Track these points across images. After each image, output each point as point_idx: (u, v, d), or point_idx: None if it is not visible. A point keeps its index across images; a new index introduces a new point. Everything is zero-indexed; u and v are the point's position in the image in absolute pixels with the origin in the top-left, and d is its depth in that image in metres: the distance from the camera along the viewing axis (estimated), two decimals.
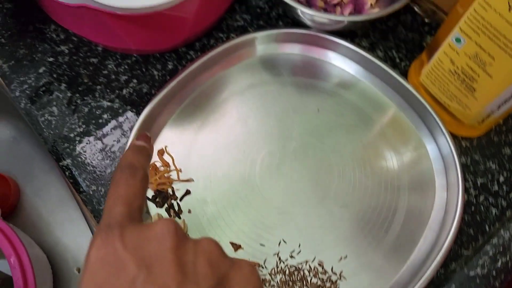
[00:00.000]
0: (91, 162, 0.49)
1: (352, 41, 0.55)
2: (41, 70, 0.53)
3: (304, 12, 0.50)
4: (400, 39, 0.57)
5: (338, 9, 0.58)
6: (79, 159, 0.49)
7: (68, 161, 0.49)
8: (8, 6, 0.57)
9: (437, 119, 0.49)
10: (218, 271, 0.24)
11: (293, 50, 0.55)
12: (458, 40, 0.43)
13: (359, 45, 0.55)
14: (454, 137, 0.51)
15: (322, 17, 0.50)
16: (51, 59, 0.54)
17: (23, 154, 0.80)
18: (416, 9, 0.58)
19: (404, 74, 0.55)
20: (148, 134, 0.37)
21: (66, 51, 0.54)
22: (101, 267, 0.23)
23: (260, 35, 0.54)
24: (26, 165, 0.80)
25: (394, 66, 0.56)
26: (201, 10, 0.49)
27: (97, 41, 0.52)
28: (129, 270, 0.23)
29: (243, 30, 0.57)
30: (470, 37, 0.42)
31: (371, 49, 0.57)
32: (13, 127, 0.80)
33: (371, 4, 0.58)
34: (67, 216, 0.76)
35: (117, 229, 0.25)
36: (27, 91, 0.52)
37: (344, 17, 0.51)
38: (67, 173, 0.49)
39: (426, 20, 0.58)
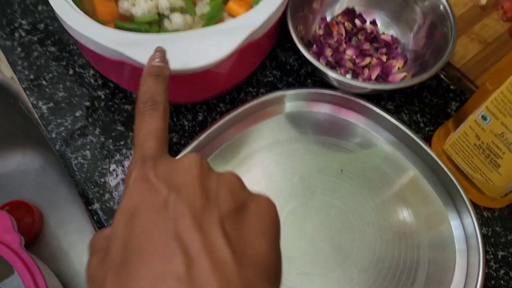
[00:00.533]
0: None
1: (378, 103, 0.56)
2: (77, 114, 0.55)
3: (333, 77, 0.52)
4: (425, 103, 0.59)
5: (366, 71, 0.59)
6: (108, 204, 0.51)
7: (97, 206, 0.51)
8: (51, 49, 0.60)
9: (460, 189, 0.50)
10: (238, 199, 0.27)
11: (320, 109, 0.56)
12: (484, 117, 0.44)
13: (384, 108, 0.57)
14: (475, 206, 0.52)
15: (349, 83, 0.51)
16: (87, 103, 0.56)
17: (50, 183, 0.83)
18: (442, 76, 0.59)
19: (428, 139, 0.56)
20: (163, 48, 0.39)
21: (103, 96, 0.57)
22: (138, 193, 0.26)
23: (288, 93, 0.55)
24: (51, 195, 0.82)
25: (418, 130, 0.57)
26: (235, 67, 0.51)
27: (133, 90, 0.55)
28: (162, 193, 0.26)
29: (272, 86, 0.59)
30: (496, 117, 0.43)
31: (396, 112, 0.58)
32: (42, 157, 0.83)
33: (398, 68, 0.60)
34: (86, 249, 0.78)
35: (150, 161, 0.28)
36: (63, 134, 0.54)
37: (370, 84, 0.52)
38: (95, 217, 0.51)
39: (452, 87, 0.59)
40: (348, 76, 0.60)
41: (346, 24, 0.62)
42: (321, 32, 0.62)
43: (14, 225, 0.69)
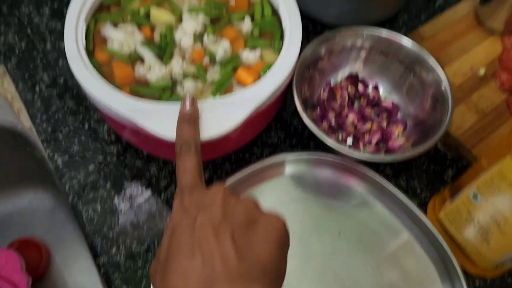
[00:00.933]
0: (126, 263, 0.53)
1: (377, 168, 0.59)
2: (90, 168, 0.58)
3: (332, 145, 0.54)
4: (422, 169, 0.61)
5: (367, 136, 0.62)
6: (115, 258, 0.53)
7: (104, 259, 0.53)
8: (69, 103, 0.63)
9: (452, 257, 0.52)
10: (250, 215, 0.34)
11: (320, 172, 0.59)
12: (475, 196, 0.47)
13: (383, 172, 0.59)
14: (468, 274, 0.53)
15: (350, 153, 0.54)
16: (100, 158, 0.59)
17: (58, 222, 0.85)
18: (439, 144, 0.62)
19: (424, 205, 0.58)
20: (193, 95, 0.48)
21: (115, 151, 0.60)
22: (177, 215, 0.36)
23: (289, 157, 0.58)
24: (59, 233, 0.85)
25: (414, 195, 0.59)
26: (243, 132, 0.54)
27: (144, 149, 0.58)
28: (192, 213, 0.35)
29: (276, 147, 0.61)
30: (486, 199, 0.45)
31: (394, 177, 0.60)
32: (53, 196, 0.86)
33: (398, 133, 0.62)
34: None
35: (187, 191, 0.38)
36: (76, 186, 0.57)
37: (370, 156, 0.55)
38: (101, 270, 0.53)
39: (449, 156, 0.62)
40: (349, 139, 0.62)
41: (349, 88, 0.65)
42: (325, 95, 0.65)
43: (23, 265, 0.71)
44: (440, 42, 0.70)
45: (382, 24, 0.74)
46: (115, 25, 0.59)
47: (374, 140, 0.61)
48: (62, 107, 0.63)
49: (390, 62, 0.63)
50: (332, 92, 0.65)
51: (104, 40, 0.58)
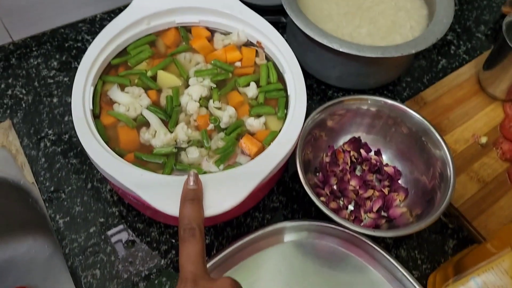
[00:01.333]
0: None
1: (376, 238, 0.59)
2: (91, 230, 0.58)
3: (332, 218, 0.54)
4: (423, 238, 0.61)
5: (368, 203, 0.62)
6: None
7: None
8: (73, 161, 0.64)
9: None
10: None
11: (320, 240, 0.59)
12: (476, 283, 0.47)
13: (384, 242, 0.59)
14: None
15: (351, 226, 0.54)
16: (102, 220, 0.59)
17: (56, 270, 0.85)
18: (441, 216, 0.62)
19: (424, 277, 0.58)
20: (196, 172, 0.47)
21: (117, 213, 0.60)
22: None
23: (290, 225, 0.58)
24: (56, 281, 0.84)
25: (415, 267, 0.59)
26: (246, 201, 0.54)
27: (146, 213, 0.58)
28: None
29: (277, 212, 0.62)
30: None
31: (395, 247, 0.60)
32: (52, 244, 0.86)
33: (399, 200, 0.63)
34: None
35: (190, 283, 0.37)
36: (76, 250, 0.57)
37: (371, 231, 0.54)
38: None
39: (450, 226, 0.62)
40: (351, 206, 0.62)
41: (352, 153, 0.66)
42: (327, 159, 0.65)
43: None
44: (442, 107, 0.71)
45: (385, 87, 0.75)
46: (122, 87, 0.60)
47: (375, 208, 0.62)
48: (66, 164, 0.63)
49: (395, 131, 0.64)
50: (334, 156, 0.65)
51: (110, 103, 0.59)
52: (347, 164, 0.65)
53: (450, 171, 0.58)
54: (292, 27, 0.70)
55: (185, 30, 0.66)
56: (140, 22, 0.63)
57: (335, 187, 0.63)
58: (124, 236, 0.58)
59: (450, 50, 0.81)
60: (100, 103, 0.58)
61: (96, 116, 0.57)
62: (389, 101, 0.62)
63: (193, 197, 0.46)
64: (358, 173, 0.65)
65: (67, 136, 0.66)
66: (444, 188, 0.57)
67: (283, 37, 0.62)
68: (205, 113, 0.59)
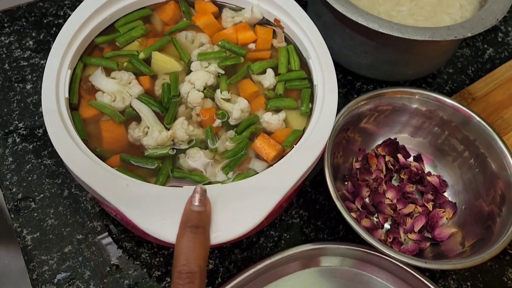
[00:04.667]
0: None
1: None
2: (66, 249, 0.47)
3: (370, 242, 0.43)
4: (476, 267, 0.50)
5: (409, 220, 0.51)
6: None
7: None
8: (47, 162, 0.52)
9: None
10: None
11: (351, 267, 0.48)
12: None
13: (428, 270, 0.48)
14: None
15: (394, 254, 0.43)
16: (80, 237, 0.48)
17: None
18: None
19: None
20: (204, 187, 0.36)
21: (98, 228, 0.48)
22: None
23: (315, 247, 0.47)
24: None
25: None
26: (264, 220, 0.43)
27: (134, 232, 0.46)
28: None
29: (297, 230, 0.50)
30: None
31: (442, 276, 0.49)
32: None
33: (446, 218, 0.51)
34: None
35: None
36: (46, 275, 0.45)
37: (422, 262, 0.43)
38: None
39: (510, 251, 0.50)
40: (387, 225, 0.51)
41: (387, 158, 0.54)
42: (357, 165, 0.54)
43: None
44: (494, 104, 0.59)
45: (423, 79, 0.63)
46: (108, 72, 0.48)
47: (417, 227, 0.50)
48: (38, 166, 0.51)
49: (448, 136, 0.52)
50: (366, 161, 0.54)
51: (92, 91, 0.47)
52: (382, 171, 0.53)
53: None
54: (316, 4, 0.58)
55: (187, 4, 0.54)
56: None
57: (367, 200, 0.52)
58: (107, 258, 0.47)
59: (497, 37, 0.69)
60: (79, 91, 0.47)
61: (73, 108, 0.45)
62: (441, 97, 0.50)
63: (197, 223, 0.34)
64: (395, 183, 0.54)
65: (40, 131, 0.54)
66: (507, 212, 0.46)
67: None
68: (210, 106, 0.47)
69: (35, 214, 0.49)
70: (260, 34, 0.52)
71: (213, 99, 0.48)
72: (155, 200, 0.37)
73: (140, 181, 0.39)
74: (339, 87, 0.52)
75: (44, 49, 0.61)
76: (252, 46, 0.52)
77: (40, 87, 0.43)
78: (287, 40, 0.52)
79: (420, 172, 0.53)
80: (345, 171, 0.53)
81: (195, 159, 0.44)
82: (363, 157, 0.54)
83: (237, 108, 0.46)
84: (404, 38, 0.49)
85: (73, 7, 0.65)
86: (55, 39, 0.45)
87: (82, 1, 0.65)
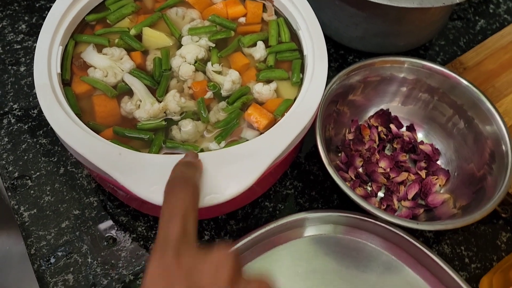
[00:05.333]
0: None
1: (413, 231, 0.48)
2: (63, 225, 0.47)
3: (366, 209, 0.43)
4: (470, 231, 0.50)
5: (402, 188, 0.51)
6: None
7: None
8: (43, 141, 0.52)
9: None
10: None
11: (345, 234, 0.48)
12: None
13: (422, 235, 0.48)
14: None
15: (387, 217, 0.43)
16: (76, 212, 0.48)
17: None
18: None
19: (474, 279, 0.47)
20: (195, 151, 0.37)
21: (95, 203, 0.49)
22: (152, 283, 0.25)
23: (310, 216, 0.47)
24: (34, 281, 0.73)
25: (462, 267, 0.48)
26: (253, 188, 0.43)
27: (130, 205, 0.47)
28: (177, 286, 0.24)
29: (292, 200, 0.51)
30: None
31: (436, 241, 0.49)
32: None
33: (439, 185, 0.51)
34: None
35: (173, 250, 0.26)
36: (44, 249, 0.46)
37: (411, 223, 0.43)
38: None
39: (503, 215, 0.51)
40: (380, 193, 0.51)
41: (379, 129, 0.54)
42: (350, 136, 0.54)
43: None
44: (486, 73, 0.59)
45: (415, 51, 0.63)
46: (99, 48, 0.48)
47: (410, 195, 0.51)
48: (34, 145, 0.52)
49: (437, 102, 0.53)
50: (359, 132, 0.54)
51: (84, 67, 0.47)
52: (375, 142, 0.54)
53: (507, 147, 0.46)
54: None
55: None
56: None
57: (361, 169, 0.52)
58: (103, 232, 0.47)
59: (488, 9, 0.69)
60: (72, 67, 0.47)
61: (66, 83, 0.46)
62: (430, 64, 0.51)
63: (188, 163, 0.33)
64: (388, 152, 0.54)
65: (35, 111, 0.54)
66: (498, 169, 0.46)
67: None
68: (202, 79, 0.48)
69: (32, 192, 0.49)
70: (250, 8, 0.52)
71: (204, 72, 0.48)
72: (147, 167, 0.38)
73: (132, 150, 0.40)
74: (331, 61, 0.53)
75: (36, 32, 0.61)
76: (242, 20, 0.52)
77: (33, 69, 0.44)
78: (277, 13, 0.53)
79: (412, 141, 0.54)
80: (338, 143, 0.54)
81: (188, 129, 0.44)
82: (355, 128, 0.54)
83: (229, 80, 0.47)
84: (393, 7, 0.49)
85: None
86: None
87: None
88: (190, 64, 0.47)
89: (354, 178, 0.51)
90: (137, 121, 0.45)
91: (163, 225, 0.27)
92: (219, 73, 0.48)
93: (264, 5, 0.53)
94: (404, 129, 0.55)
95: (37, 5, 0.63)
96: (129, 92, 0.46)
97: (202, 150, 0.43)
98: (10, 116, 0.54)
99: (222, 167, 0.38)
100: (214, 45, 0.49)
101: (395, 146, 0.54)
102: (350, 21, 0.56)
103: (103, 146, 0.39)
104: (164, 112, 0.45)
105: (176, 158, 0.38)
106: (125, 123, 0.45)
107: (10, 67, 0.57)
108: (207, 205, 0.36)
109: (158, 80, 0.47)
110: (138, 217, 0.48)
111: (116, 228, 0.47)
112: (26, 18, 0.62)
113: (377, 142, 0.54)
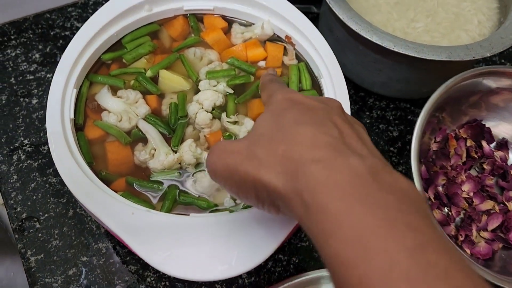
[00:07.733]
0: None
1: None
2: (70, 272, 0.46)
3: None
4: None
5: (484, 218, 0.47)
6: None
7: None
8: (52, 181, 0.51)
9: None
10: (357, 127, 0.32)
11: None
12: None
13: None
14: None
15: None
16: (85, 259, 0.47)
17: None
18: None
19: None
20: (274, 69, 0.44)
21: (104, 250, 0.47)
22: (283, 104, 0.32)
23: (326, 274, 0.45)
24: None
25: None
26: None
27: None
28: (310, 101, 0.32)
29: (307, 254, 0.49)
30: None
31: None
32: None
33: None
34: None
35: (291, 92, 0.34)
36: None
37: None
38: None
39: None
40: (458, 220, 0.48)
41: (468, 142, 0.50)
42: (435, 147, 0.50)
43: None
44: None
45: None
46: (114, 90, 0.47)
47: (491, 226, 0.47)
48: (43, 184, 0.51)
49: None
50: (445, 143, 0.50)
51: (98, 110, 0.46)
52: (461, 158, 0.50)
53: None
54: (328, 19, 0.56)
55: (196, 19, 0.52)
56: (140, 7, 0.50)
57: (441, 189, 0.48)
58: (112, 281, 0.46)
59: None
60: (85, 110, 0.46)
61: (78, 128, 0.44)
62: None
63: (271, 78, 0.38)
64: (473, 172, 0.50)
65: (46, 147, 0.53)
66: None
67: None
68: (219, 127, 0.46)
69: (40, 235, 0.48)
70: (271, 51, 0.51)
71: (220, 119, 0.47)
72: (161, 230, 0.36)
73: (145, 208, 0.38)
74: (350, 103, 0.51)
75: (50, 62, 0.60)
76: (262, 63, 0.51)
77: (46, 102, 0.42)
78: (298, 57, 0.51)
79: (505, 165, 0.50)
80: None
81: (204, 183, 0.42)
82: (442, 138, 0.50)
83: (244, 130, 0.45)
84: (420, 58, 0.48)
85: (80, 19, 0.64)
86: (61, 52, 0.45)
87: (89, 13, 0.64)
88: (208, 112, 0.46)
89: (433, 200, 0.48)
90: (150, 171, 0.43)
91: (268, 87, 0.36)
92: (235, 123, 0.46)
93: (285, 48, 0.51)
94: (494, 144, 0.52)
95: (51, 33, 0.62)
96: (143, 139, 0.45)
97: (216, 206, 0.42)
98: (20, 152, 0.52)
99: (244, 230, 0.36)
100: (232, 91, 0.48)
101: (484, 166, 0.50)
102: (374, 67, 0.54)
103: (115, 204, 0.38)
104: (179, 163, 0.43)
105: (191, 221, 0.36)
106: (138, 172, 0.43)
107: (22, 99, 0.56)
108: (218, 279, 0.34)
109: (173, 127, 0.45)
110: (148, 267, 0.47)
111: (125, 278, 0.46)
112: (40, 47, 0.61)
113: (464, 159, 0.50)
